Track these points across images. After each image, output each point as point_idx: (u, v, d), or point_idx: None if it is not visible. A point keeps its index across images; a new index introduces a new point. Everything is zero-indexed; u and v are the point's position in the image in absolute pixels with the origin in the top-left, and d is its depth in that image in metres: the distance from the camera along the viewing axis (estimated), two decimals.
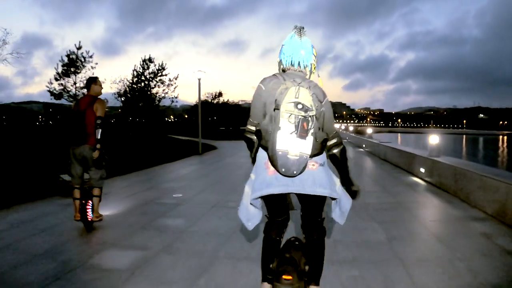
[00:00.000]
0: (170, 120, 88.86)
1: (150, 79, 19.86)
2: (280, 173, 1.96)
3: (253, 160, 2.33)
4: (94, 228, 4.40)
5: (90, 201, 4.42)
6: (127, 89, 19.74)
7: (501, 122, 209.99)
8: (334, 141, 2.20)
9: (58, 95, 17.68)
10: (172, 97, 20.22)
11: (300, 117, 1.87)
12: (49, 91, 17.70)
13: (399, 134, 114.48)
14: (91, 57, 18.27)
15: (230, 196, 6.36)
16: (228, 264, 3.33)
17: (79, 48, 17.94)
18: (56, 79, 17.73)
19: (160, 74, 20.02)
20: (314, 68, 2.25)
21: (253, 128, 2.19)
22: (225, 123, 41.45)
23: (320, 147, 2.06)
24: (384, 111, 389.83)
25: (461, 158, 10.21)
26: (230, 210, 5.32)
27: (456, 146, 48.22)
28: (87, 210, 4.35)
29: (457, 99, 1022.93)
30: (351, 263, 3.34)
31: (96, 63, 18.54)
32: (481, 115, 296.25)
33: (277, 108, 1.91)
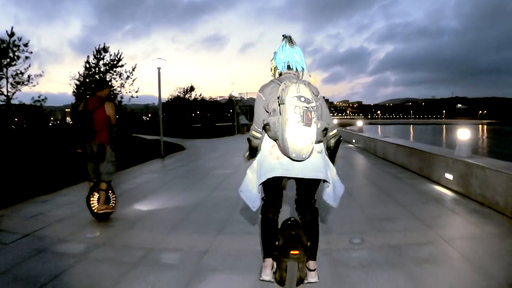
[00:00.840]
0: (146, 119, 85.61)
1: (105, 71, 16.92)
2: (291, 158, 2.27)
3: (250, 157, 2.70)
4: (109, 219, 4.73)
5: (95, 194, 4.69)
6: (79, 85, 16.82)
7: (480, 112, 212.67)
8: (334, 131, 2.59)
9: None
10: (130, 91, 17.30)
11: (303, 108, 2.17)
12: None
13: (379, 126, 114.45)
14: (26, 45, 15.36)
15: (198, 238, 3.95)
16: None
17: (11, 35, 15.00)
18: None
19: (115, 65, 17.10)
20: (304, 71, 2.60)
21: (259, 135, 2.56)
22: (200, 120, 39.30)
23: (322, 135, 2.35)
24: (363, 103, 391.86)
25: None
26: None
27: (450, 136, 46.74)
28: (94, 203, 4.65)
29: (435, 90, 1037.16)
30: None
31: (31, 52, 15.65)
32: (459, 105, 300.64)
33: (282, 103, 2.22)
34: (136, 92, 17.33)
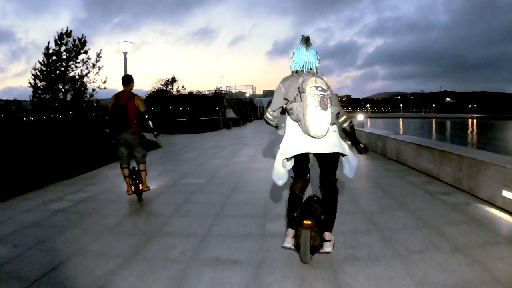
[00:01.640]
0: None
1: (67, 58, 14.50)
2: (311, 136, 2.79)
3: (276, 127, 3.21)
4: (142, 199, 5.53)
5: (134, 177, 5.49)
6: (38, 75, 14.39)
7: (470, 106, 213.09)
8: (344, 117, 3.06)
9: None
10: (95, 80, 14.90)
11: (320, 95, 2.71)
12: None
13: (368, 119, 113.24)
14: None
15: None
16: None
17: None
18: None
19: (79, 51, 14.67)
20: (318, 69, 3.08)
21: (271, 116, 3.10)
22: (185, 114, 37.13)
23: (335, 118, 2.88)
24: (352, 96, 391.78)
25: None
26: None
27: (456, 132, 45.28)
28: (138, 184, 5.48)
29: (423, 84, 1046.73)
30: None
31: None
32: (448, 99, 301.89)
33: (303, 92, 2.74)
34: (104, 82, 14.98)
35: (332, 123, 2.83)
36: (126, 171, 5.48)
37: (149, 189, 5.70)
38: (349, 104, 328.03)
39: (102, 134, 15.85)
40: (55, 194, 6.10)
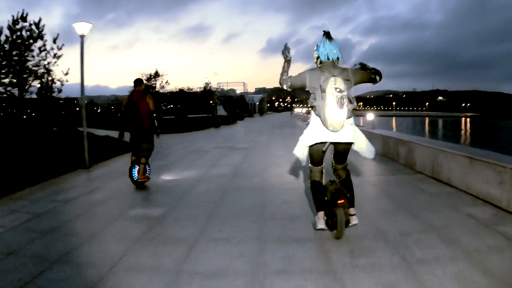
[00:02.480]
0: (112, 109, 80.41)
1: (12, 44, 11.95)
2: (329, 130, 3.26)
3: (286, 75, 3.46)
4: (145, 187, 6.15)
5: (137, 166, 6.14)
6: None
7: (463, 104, 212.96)
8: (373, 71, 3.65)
9: None
10: (47, 71, 12.39)
11: (338, 96, 3.20)
12: None
13: (361, 118, 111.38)
14: None
15: None
16: None
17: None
18: None
19: (33, 37, 12.19)
20: (339, 59, 3.47)
21: (285, 77, 3.41)
22: (173, 111, 35.12)
23: (351, 113, 3.29)
24: None
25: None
26: None
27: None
28: (134, 173, 6.10)
29: (416, 83, 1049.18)
30: None
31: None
32: (440, 98, 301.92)
33: (323, 92, 3.22)
34: (66, 74, 12.59)
35: (349, 117, 3.29)
36: (133, 158, 6.27)
37: (146, 180, 6.27)
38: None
39: (78, 133, 14.16)
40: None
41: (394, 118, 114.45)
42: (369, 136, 9.44)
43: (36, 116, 14.62)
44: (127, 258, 3.24)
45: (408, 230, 3.68)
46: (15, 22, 12.32)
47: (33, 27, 12.40)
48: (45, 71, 12.50)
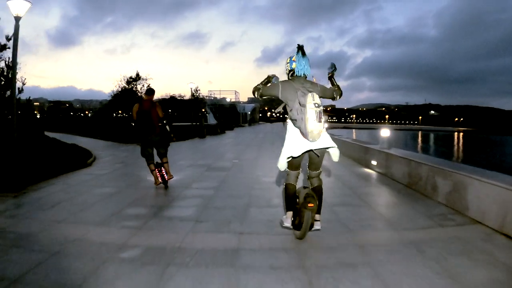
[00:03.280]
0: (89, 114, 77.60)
1: None
2: (309, 141, 3.62)
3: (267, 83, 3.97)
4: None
5: (163, 168, 6.73)
6: None
7: (456, 119, 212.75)
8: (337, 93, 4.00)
9: None
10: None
11: (317, 111, 3.53)
12: None
13: (353, 130, 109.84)
14: None
15: None
16: None
17: None
18: None
19: None
20: (308, 74, 3.87)
21: (257, 86, 3.89)
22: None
23: (324, 123, 3.66)
24: (336, 107, 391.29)
25: None
26: None
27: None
28: (164, 174, 6.70)
29: (408, 97, 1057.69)
30: None
31: None
32: (432, 112, 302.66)
33: (303, 107, 3.56)
34: (24, 80, 10.16)
35: (323, 127, 3.66)
36: (153, 166, 6.77)
37: (172, 177, 6.94)
38: (333, 113, 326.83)
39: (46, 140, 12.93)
40: None
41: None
42: (386, 158, 7.20)
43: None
44: None
45: None
46: None
47: None
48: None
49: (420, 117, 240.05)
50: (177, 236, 4.06)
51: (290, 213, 3.91)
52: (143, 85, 23.25)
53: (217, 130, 28.48)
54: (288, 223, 3.88)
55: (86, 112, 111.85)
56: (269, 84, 3.89)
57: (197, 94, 47.03)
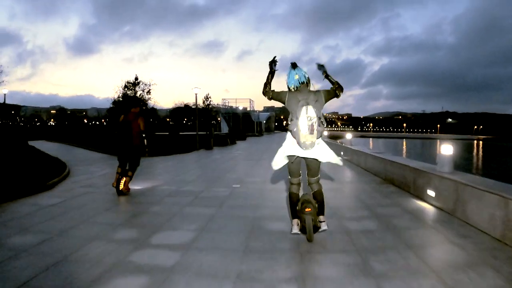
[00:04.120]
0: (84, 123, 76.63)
1: None
2: (302, 149, 3.96)
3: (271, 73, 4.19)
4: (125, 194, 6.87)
5: (124, 178, 6.94)
6: None
7: (475, 127, 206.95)
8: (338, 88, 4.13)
9: None
10: None
11: (309, 124, 3.83)
12: None
13: (370, 139, 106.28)
14: None
15: None
16: None
17: None
18: None
19: None
20: (309, 79, 4.19)
21: (268, 90, 4.14)
22: (173, 127, 30.88)
23: (320, 134, 3.97)
24: (353, 115, 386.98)
25: None
26: None
27: None
28: (120, 183, 6.89)
29: (425, 104, 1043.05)
30: None
31: None
32: (450, 120, 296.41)
33: (297, 119, 3.88)
34: None
35: (318, 137, 3.97)
36: (119, 169, 6.98)
37: (128, 192, 7.04)
38: (349, 122, 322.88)
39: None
40: None
41: (404, 140, 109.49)
42: (455, 189, 5.10)
43: None
44: None
45: None
46: None
47: None
48: None
49: (438, 125, 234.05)
50: None
51: (296, 220, 4.15)
52: (148, 91, 21.37)
53: (227, 141, 26.08)
54: (296, 229, 4.09)
55: (102, 120, 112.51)
56: (279, 92, 4.18)
57: (208, 102, 45.11)
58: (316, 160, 4.12)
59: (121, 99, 21.34)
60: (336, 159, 4.16)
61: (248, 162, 14.02)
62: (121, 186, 6.87)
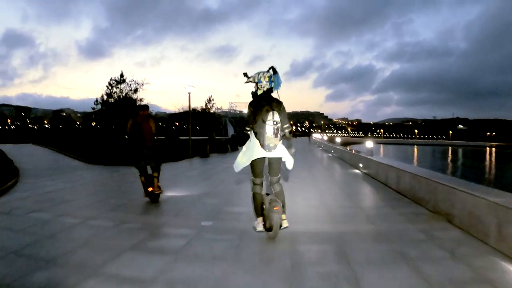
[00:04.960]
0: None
1: None
2: (265, 150, 4.26)
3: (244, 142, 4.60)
4: (158, 197, 6.76)
5: (153, 180, 6.78)
6: None
7: (488, 133, 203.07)
8: (286, 131, 4.39)
9: None
10: None
11: (275, 127, 4.17)
12: None
13: (381, 145, 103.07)
14: None
15: None
16: None
17: None
18: None
19: None
20: (274, 89, 4.50)
21: (248, 129, 4.46)
22: (177, 132, 28.69)
23: (281, 138, 4.32)
24: (362, 121, 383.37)
25: None
26: None
27: None
28: (149, 189, 6.72)
29: (435, 111, 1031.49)
30: None
31: None
32: (461, 126, 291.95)
33: (264, 122, 4.16)
34: None
35: (280, 140, 4.31)
36: (143, 178, 6.86)
37: (161, 192, 6.86)
38: (359, 128, 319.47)
39: None
40: None
41: (415, 147, 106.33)
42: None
43: None
44: None
45: None
46: None
47: None
48: None
49: (450, 132, 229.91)
50: None
51: (260, 219, 4.51)
52: (135, 89, 19.05)
53: (227, 147, 23.51)
54: (260, 227, 4.47)
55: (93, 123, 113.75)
56: (250, 114, 4.43)
57: (211, 105, 42.75)
58: (279, 159, 4.48)
59: (105, 97, 18.87)
60: (290, 162, 4.58)
61: (240, 176, 9.28)
62: (151, 188, 6.70)
